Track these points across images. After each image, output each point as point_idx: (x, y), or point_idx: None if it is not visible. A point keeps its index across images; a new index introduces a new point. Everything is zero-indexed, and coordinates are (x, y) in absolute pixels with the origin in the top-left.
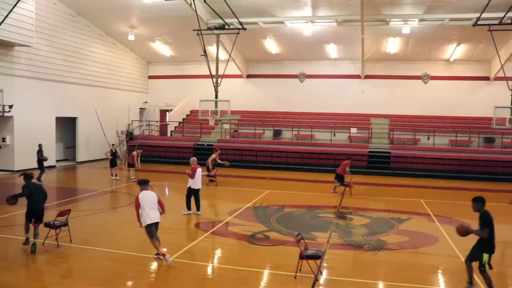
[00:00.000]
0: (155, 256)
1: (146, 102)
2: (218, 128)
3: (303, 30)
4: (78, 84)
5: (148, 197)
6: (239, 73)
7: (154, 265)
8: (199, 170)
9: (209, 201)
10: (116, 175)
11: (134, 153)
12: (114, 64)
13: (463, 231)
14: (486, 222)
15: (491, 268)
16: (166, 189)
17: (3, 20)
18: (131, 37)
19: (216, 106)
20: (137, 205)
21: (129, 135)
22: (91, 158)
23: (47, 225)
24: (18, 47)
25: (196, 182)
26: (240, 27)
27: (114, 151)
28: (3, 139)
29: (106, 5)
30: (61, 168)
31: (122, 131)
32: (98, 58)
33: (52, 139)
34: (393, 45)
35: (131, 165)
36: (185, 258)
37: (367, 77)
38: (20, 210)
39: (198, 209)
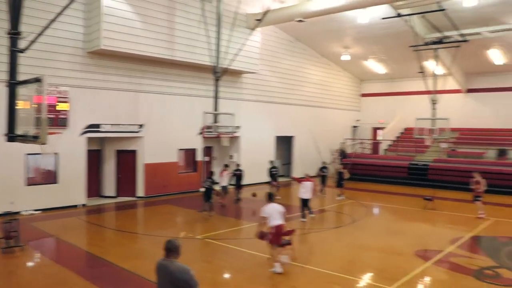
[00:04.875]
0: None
1: (359, 120)
2: (434, 147)
3: None
4: (294, 105)
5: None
6: (457, 87)
7: None
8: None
9: (427, 226)
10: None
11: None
12: (328, 84)
13: None
14: None
15: None
16: (377, 210)
17: (237, 54)
18: (345, 57)
19: (433, 125)
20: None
21: (342, 154)
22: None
23: None
24: (246, 74)
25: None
26: (461, 39)
27: (340, 171)
28: (231, 156)
29: (322, 28)
30: (281, 184)
31: (336, 149)
32: (313, 79)
33: (272, 156)
34: None
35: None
36: None
37: None
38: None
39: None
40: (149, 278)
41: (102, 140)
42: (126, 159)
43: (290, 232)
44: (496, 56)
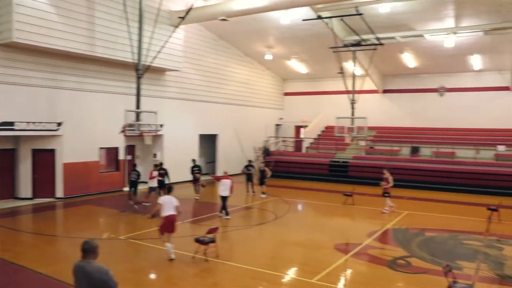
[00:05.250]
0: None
1: (282, 118)
2: (353, 144)
3: (444, 42)
4: (218, 103)
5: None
6: (375, 88)
7: (296, 287)
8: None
9: (346, 221)
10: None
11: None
12: (252, 83)
13: None
14: None
15: None
16: (299, 206)
17: (160, 51)
18: (268, 57)
19: (352, 123)
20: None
21: (266, 151)
22: (229, 173)
23: (198, 240)
24: (169, 71)
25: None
26: (377, 42)
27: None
28: (155, 155)
29: (245, 28)
30: (204, 182)
31: (259, 147)
32: (237, 77)
33: (195, 155)
34: None
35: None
36: (327, 282)
37: None
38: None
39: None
40: (69, 282)
41: (16, 138)
42: (44, 158)
43: (213, 230)
44: (408, 59)
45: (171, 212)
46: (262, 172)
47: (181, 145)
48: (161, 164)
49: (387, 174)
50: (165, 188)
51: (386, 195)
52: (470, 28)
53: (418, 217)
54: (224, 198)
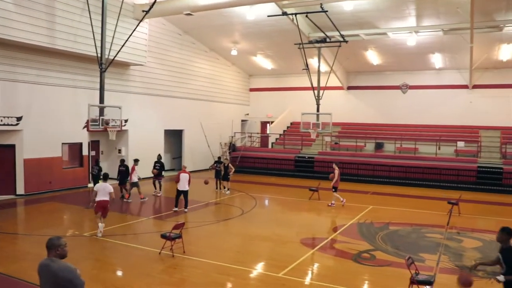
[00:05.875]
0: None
1: (248, 114)
2: (319, 140)
3: (407, 41)
4: (184, 98)
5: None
6: (339, 85)
7: (263, 281)
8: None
9: (313, 216)
10: (225, 188)
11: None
12: (217, 78)
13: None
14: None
15: None
16: (266, 201)
17: (124, 45)
18: (233, 52)
19: (317, 119)
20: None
21: (232, 147)
22: (196, 168)
23: (164, 236)
24: (133, 66)
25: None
26: (342, 39)
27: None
28: (119, 151)
29: (211, 23)
30: (168, 178)
31: (225, 143)
32: (202, 73)
33: (161, 150)
34: (506, 52)
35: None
36: (294, 276)
37: (475, 86)
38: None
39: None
40: (33, 281)
41: None
42: (3, 154)
43: (179, 226)
44: (372, 57)
45: (104, 197)
46: (226, 168)
47: (146, 141)
48: (122, 161)
49: (335, 168)
50: (125, 185)
51: (333, 189)
52: (430, 28)
53: (382, 212)
54: (181, 193)
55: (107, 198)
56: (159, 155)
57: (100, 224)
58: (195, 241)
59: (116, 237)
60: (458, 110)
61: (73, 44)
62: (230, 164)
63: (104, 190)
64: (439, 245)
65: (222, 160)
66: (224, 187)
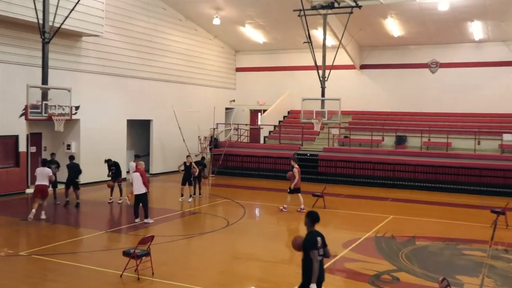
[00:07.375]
0: None
1: (234, 100)
2: (324, 133)
3: (437, 5)
4: (153, 80)
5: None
6: (350, 63)
7: None
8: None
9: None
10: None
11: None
12: (195, 55)
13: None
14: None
15: None
16: (257, 210)
17: (73, 8)
18: (216, 21)
19: (322, 107)
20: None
21: (214, 142)
22: (167, 169)
23: (127, 254)
24: (86, 37)
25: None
26: (354, 4)
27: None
28: (68, 147)
29: None
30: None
31: (205, 137)
32: (176, 48)
33: (122, 147)
34: None
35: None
36: None
37: None
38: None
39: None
40: None
41: None
42: None
43: (147, 240)
44: (393, 27)
45: (43, 182)
46: (188, 168)
47: (103, 134)
48: (71, 158)
49: (294, 165)
50: (78, 188)
51: (289, 190)
52: None
53: (405, 223)
54: (141, 198)
55: (46, 182)
56: (109, 159)
57: (33, 210)
58: (167, 259)
59: (63, 256)
60: (504, 94)
61: (6, 6)
62: (193, 163)
63: (42, 174)
64: (482, 265)
65: (204, 162)
66: (194, 193)
